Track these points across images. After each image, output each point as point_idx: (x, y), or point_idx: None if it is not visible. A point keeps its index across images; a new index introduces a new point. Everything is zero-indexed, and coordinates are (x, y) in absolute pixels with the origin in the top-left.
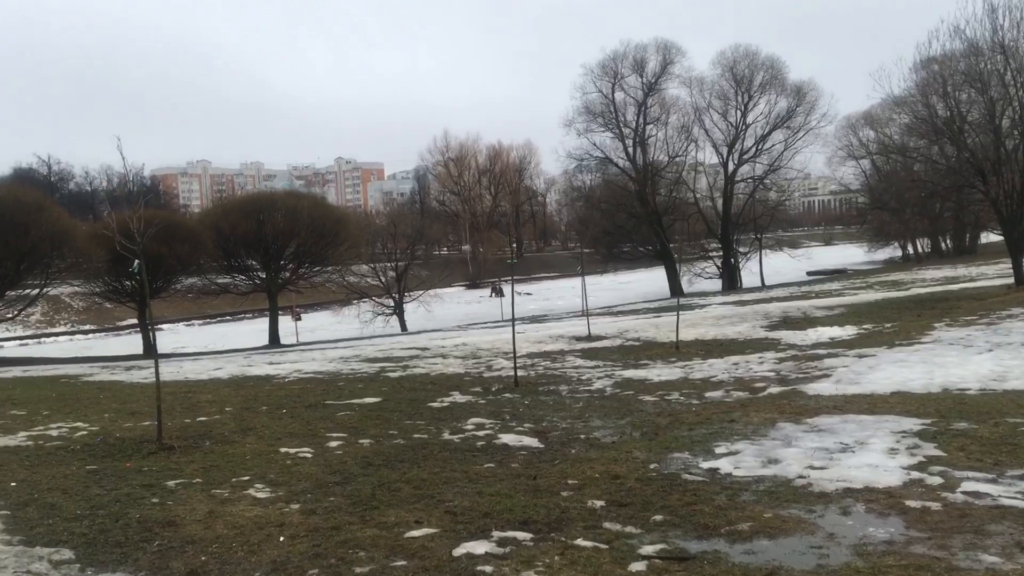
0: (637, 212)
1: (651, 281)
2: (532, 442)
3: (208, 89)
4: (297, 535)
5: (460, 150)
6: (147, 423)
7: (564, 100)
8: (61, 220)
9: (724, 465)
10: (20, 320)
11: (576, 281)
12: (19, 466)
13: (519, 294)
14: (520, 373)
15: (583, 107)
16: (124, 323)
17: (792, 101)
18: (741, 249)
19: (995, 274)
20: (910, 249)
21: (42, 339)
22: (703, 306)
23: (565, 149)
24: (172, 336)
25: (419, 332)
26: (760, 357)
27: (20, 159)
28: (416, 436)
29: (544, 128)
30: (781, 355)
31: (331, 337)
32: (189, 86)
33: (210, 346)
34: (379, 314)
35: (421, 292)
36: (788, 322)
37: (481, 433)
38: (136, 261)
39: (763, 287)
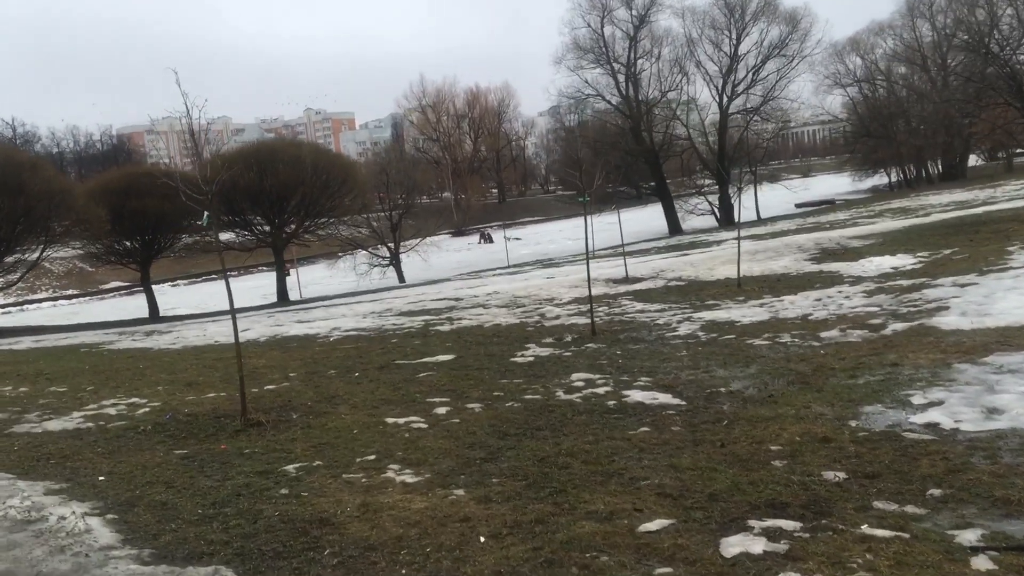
0: (632, 149)
1: (641, 220)
2: (667, 398)
3: (169, 45)
4: (498, 533)
5: (437, 95)
6: (211, 395)
7: (544, 39)
8: (57, 179)
9: (940, 418)
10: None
11: (562, 224)
12: (94, 454)
13: (508, 239)
14: (584, 320)
15: (572, 43)
16: (108, 287)
17: (786, 28)
18: (735, 184)
19: (1007, 196)
20: (895, 177)
21: (24, 306)
22: (719, 242)
23: (556, 88)
24: (160, 298)
25: (424, 283)
26: (840, 291)
27: None
28: (528, 397)
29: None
30: (862, 288)
31: (333, 291)
32: (150, 40)
33: (202, 306)
34: (375, 265)
35: (418, 240)
36: (830, 253)
37: (600, 390)
38: (205, 213)
39: (760, 221)
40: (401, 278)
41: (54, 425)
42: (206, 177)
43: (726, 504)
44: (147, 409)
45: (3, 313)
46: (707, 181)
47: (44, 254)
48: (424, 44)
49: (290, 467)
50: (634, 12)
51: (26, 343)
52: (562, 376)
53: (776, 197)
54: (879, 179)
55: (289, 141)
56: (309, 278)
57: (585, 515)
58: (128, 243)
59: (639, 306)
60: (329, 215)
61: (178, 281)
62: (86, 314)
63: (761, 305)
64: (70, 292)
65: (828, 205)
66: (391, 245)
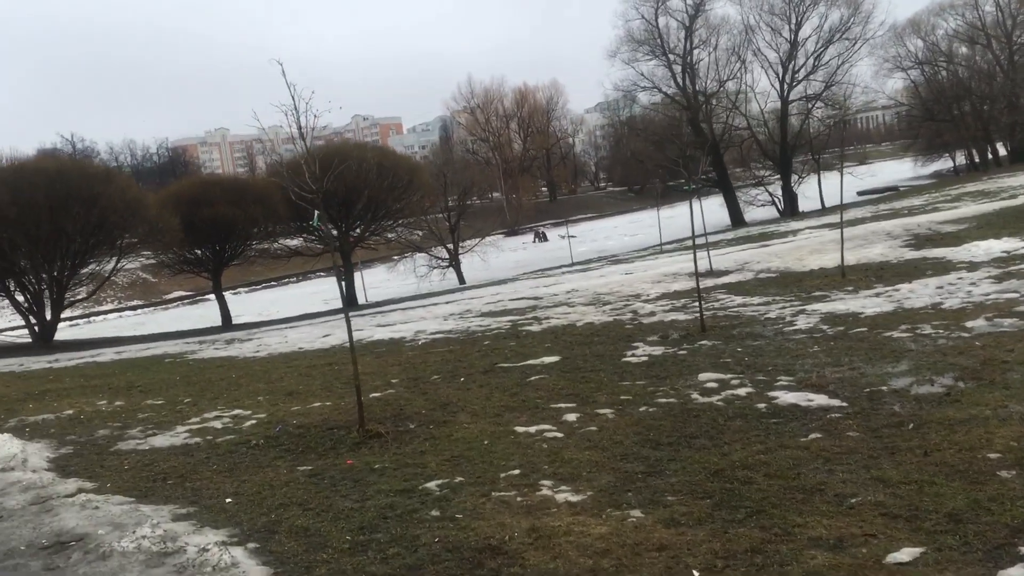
0: (692, 141)
1: (698, 214)
2: (823, 399)
3: (216, 59)
4: (712, 566)
5: (485, 95)
6: (316, 405)
7: (589, 34)
8: (130, 189)
9: None
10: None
11: (616, 220)
12: (211, 472)
13: (562, 237)
14: (683, 316)
15: (626, 35)
16: (171, 296)
17: (847, 11)
18: (797, 173)
19: None
20: (960, 160)
21: (91, 318)
22: (794, 232)
23: (611, 81)
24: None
25: (489, 284)
26: (960, 278)
27: (43, 140)
28: (661, 400)
29: (568, 66)
30: (984, 274)
31: (396, 294)
32: (197, 57)
33: (264, 313)
34: (435, 267)
35: (477, 241)
36: (927, 239)
37: (740, 392)
38: (316, 212)
39: (825, 209)
40: (461, 279)
41: (160, 441)
42: (314, 175)
43: (977, 526)
44: (253, 421)
45: (71, 326)
46: (765, 172)
47: (119, 264)
48: (464, 45)
49: (431, 484)
50: (689, 1)
51: (108, 355)
52: (687, 376)
53: (835, 185)
54: (942, 164)
55: (354, 143)
56: (368, 282)
57: (808, 543)
58: (199, 251)
59: (738, 300)
60: (396, 217)
61: (239, 289)
62: (152, 324)
63: (877, 295)
64: (134, 303)
65: (892, 192)
66: (450, 246)
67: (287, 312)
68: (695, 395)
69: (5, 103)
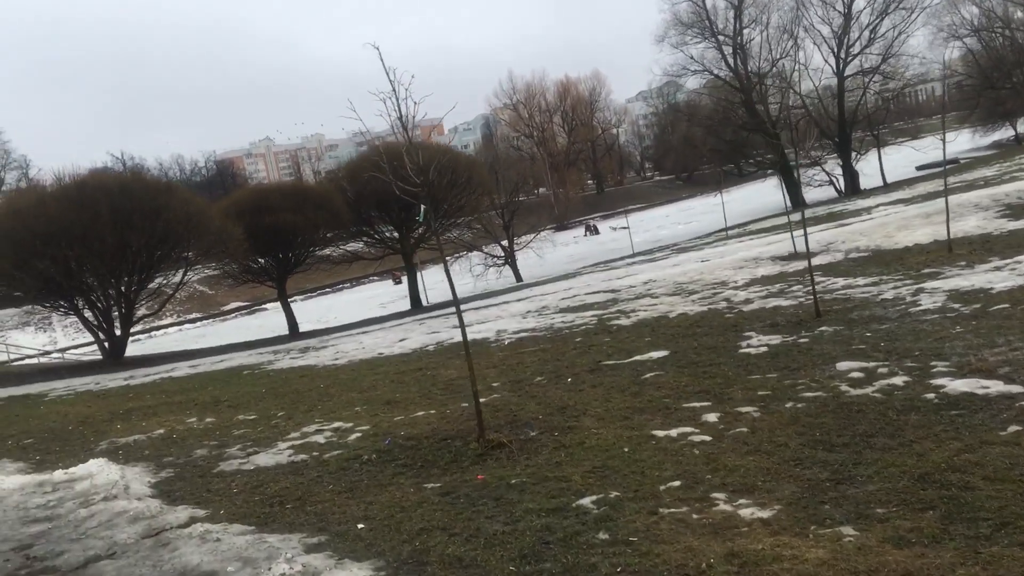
0: (747, 123)
1: (747, 199)
2: (1000, 386)
3: (257, 70)
4: None
5: (527, 90)
6: (420, 414)
7: (630, 21)
8: (193, 201)
9: None
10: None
11: (666, 209)
12: (329, 492)
13: (613, 229)
14: (785, 302)
15: (673, 19)
16: (228, 308)
17: None
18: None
19: None
20: (1022, 128)
21: (151, 333)
22: (868, 209)
23: (660, 67)
24: (278, 315)
25: (551, 280)
26: None
27: (94, 159)
28: (806, 395)
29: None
30: None
31: (466, 293)
32: (240, 69)
33: (323, 320)
34: (491, 265)
35: (532, 236)
36: (1023, 209)
37: (896, 381)
38: (422, 206)
39: (887, 186)
40: (518, 276)
41: (264, 459)
42: (419, 166)
43: None
44: (358, 434)
45: (134, 342)
46: (822, 152)
47: (186, 277)
48: (498, 40)
49: (585, 501)
50: None
51: (182, 369)
52: (823, 367)
53: (890, 161)
54: (1002, 133)
55: (415, 141)
56: (427, 283)
57: None
58: (262, 260)
59: (840, 281)
60: (457, 215)
61: (294, 297)
62: (214, 336)
63: (998, 269)
64: (193, 316)
65: (953, 164)
66: (504, 243)
67: (345, 318)
68: (844, 387)
69: (57, 125)
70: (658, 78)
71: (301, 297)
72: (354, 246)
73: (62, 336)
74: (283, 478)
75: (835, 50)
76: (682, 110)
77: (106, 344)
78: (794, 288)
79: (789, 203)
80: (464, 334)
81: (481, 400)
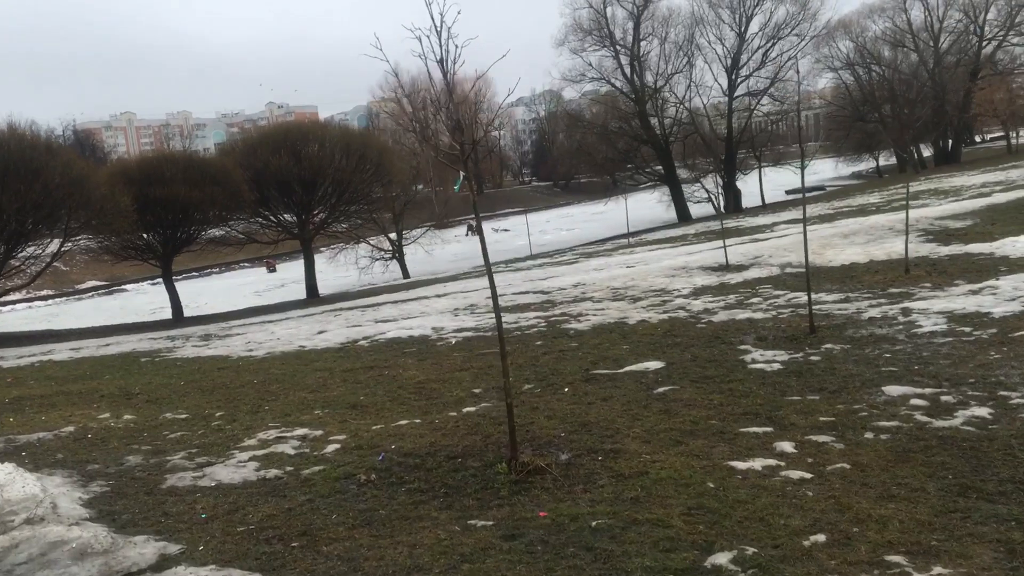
0: (639, 135)
1: (629, 210)
2: None
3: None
4: None
5: (412, 85)
6: (403, 423)
7: (515, 27)
8: (76, 164)
9: None
10: None
11: (547, 215)
12: (335, 525)
13: (495, 231)
14: (757, 315)
15: (574, 24)
16: (84, 286)
17: (794, 8)
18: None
19: None
20: (883, 162)
21: None
22: (771, 226)
23: (559, 71)
24: (140, 297)
25: (443, 279)
26: None
27: None
28: (882, 424)
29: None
30: None
31: (345, 288)
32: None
33: (195, 306)
34: (377, 259)
35: (423, 231)
36: (947, 235)
37: (980, 412)
38: (460, 174)
39: (765, 207)
40: (405, 272)
41: (224, 473)
42: (459, 126)
43: None
44: (335, 446)
45: None
46: (707, 168)
47: (63, 248)
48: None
49: (719, 559)
50: None
51: (62, 352)
52: (866, 390)
53: (759, 183)
54: (864, 165)
55: (314, 122)
56: (301, 273)
57: None
58: (146, 236)
59: (802, 296)
60: (363, 203)
61: (156, 279)
62: (68, 316)
63: (974, 292)
64: (44, 292)
65: (820, 191)
66: (392, 236)
67: (221, 305)
68: (920, 416)
69: None
70: (556, 82)
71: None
72: (247, 228)
73: None
74: (262, 501)
75: (727, 69)
76: (580, 117)
77: None
78: (753, 300)
79: (676, 216)
80: (499, 323)
81: (470, 409)
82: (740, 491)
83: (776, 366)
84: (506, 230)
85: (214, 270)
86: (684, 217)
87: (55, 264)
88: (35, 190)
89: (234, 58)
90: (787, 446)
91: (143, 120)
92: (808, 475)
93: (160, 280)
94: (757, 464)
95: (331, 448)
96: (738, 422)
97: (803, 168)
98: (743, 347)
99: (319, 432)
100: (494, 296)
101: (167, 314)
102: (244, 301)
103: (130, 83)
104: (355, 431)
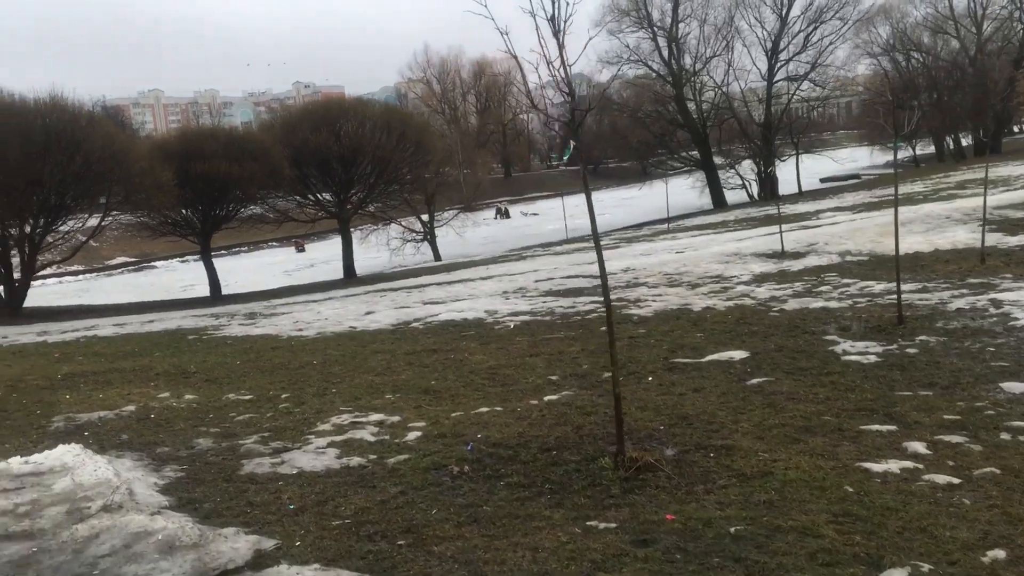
0: (675, 119)
1: (658, 196)
2: None
3: (143, 16)
4: None
5: (442, 66)
6: (484, 410)
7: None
8: (117, 137)
9: None
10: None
11: (577, 199)
12: (439, 521)
13: (524, 214)
14: (828, 304)
15: (612, 4)
16: (114, 263)
17: None
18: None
19: None
20: (921, 150)
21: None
22: (816, 214)
23: (596, 53)
24: (171, 275)
25: (483, 261)
26: None
27: None
28: (1016, 424)
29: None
30: None
31: (379, 269)
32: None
33: (224, 284)
34: (407, 240)
35: (455, 214)
36: (1012, 225)
37: None
38: (572, 143)
39: (801, 194)
40: (437, 255)
41: (304, 460)
42: (571, 89)
43: None
44: (416, 433)
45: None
46: (744, 154)
47: (103, 222)
48: (410, 11)
49: None
50: None
51: (105, 328)
52: (982, 386)
53: (793, 172)
54: (902, 153)
55: (356, 99)
56: (330, 253)
57: None
58: (186, 212)
59: (877, 286)
60: (403, 182)
61: (186, 257)
62: (98, 292)
63: None
64: (75, 268)
65: (855, 179)
66: (424, 218)
67: (251, 284)
68: None
69: None
70: (592, 63)
71: (194, 258)
72: (284, 206)
73: None
74: (351, 492)
75: (767, 53)
76: (613, 100)
77: (2, 293)
78: (822, 289)
79: (712, 203)
80: (609, 311)
81: (550, 397)
82: (885, 497)
83: (872, 358)
84: (535, 214)
85: (242, 249)
86: (719, 203)
87: (58, 244)
88: (76, 163)
89: (256, 36)
90: (919, 447)
91: (170, 98)
92: (956, 480)
93: (189, 258)
94: (893, 466)
95: (412, 435)
96: (854, 419)
97: (896, 146)
98: (828, 337)
99: (396, 418)
100: (603, 278)
101: (198, 292)
102: (275, 280)
103: (155, 61)
104: (434, 418)
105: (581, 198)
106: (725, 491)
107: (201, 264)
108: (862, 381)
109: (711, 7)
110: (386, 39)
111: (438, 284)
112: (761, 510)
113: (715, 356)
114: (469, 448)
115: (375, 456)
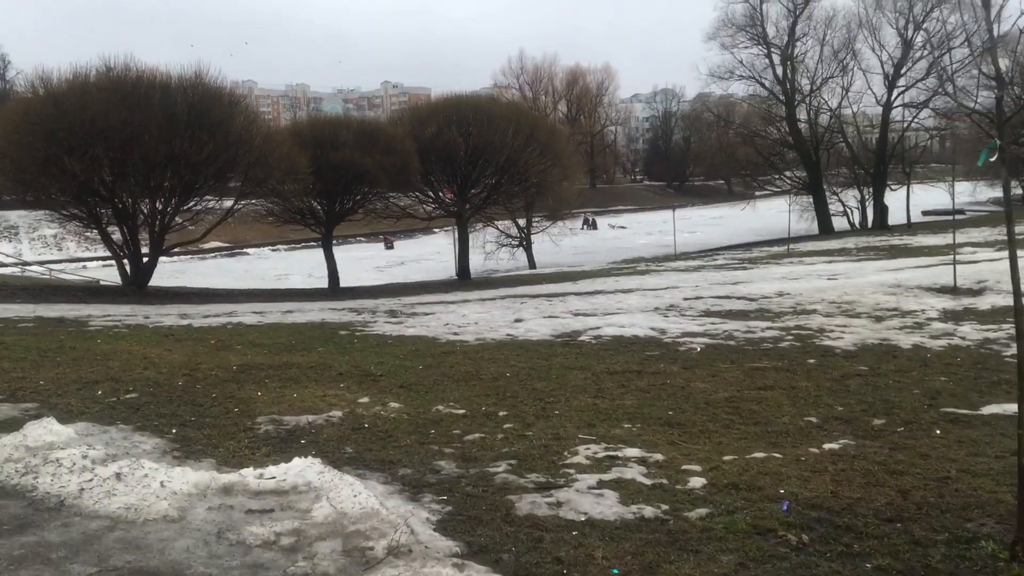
0: (786, 139)
1: (748, 219)
2: None
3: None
4: None
5: (535, 72)
6: (759, 455)
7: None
8: (258, 120)
9: None
10: (53, 244)
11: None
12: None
13: (612, 226)
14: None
15: (727, 18)
16: (208, 247)
17: (972, 14)
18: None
19: None
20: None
21: (85, 263)
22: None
23: (707, 67)
24: (265, 263)
25: (589, 274)
26: None
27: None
28: None
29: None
30: None
31: (474, 270)
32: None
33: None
34: (503, 244)
35: (551, 223)
36: None
37: None
38: (997, 141)
39: (910, 226)
40: (532, 262)
41: (585, 504)
42: (1002, 80)
43: None
44: (700, 479)
45: (104, 266)
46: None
47: (237, 206)
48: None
49: None
50: None
51: (245, 315)
52: None
53: (893, 203)
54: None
55: (486, 97)
56: (418, 252)
57: None
58: (312, 201)
59: None
60: (527, 184)
61: (279, 247)
62: (192, 273)
63: None
64: (173, 250)
65: (960, 214)
66: (521, 222)
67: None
68: None
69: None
70: (703, 77)
71: (286, 247)
72: (405, 201)
73: (28, 249)
74: (675, 556)
75: (886, 77)
76: (722, 117)
77: (128, 270)
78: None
79: (818, 228)
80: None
81: (831, 446)
82: None
83: None
84: (622, 227)
85: (333, 242)
86: (826, 229)
87: (184, 224)
88: (217, 142)
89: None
90: None
91: (262, 89)
92: None
93: (280, 247)
94: None
95: (695, 481)
96: None
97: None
98: None
99: (658, 456)
100: (1016, 303)
101: (292, 281)
102: (368, 276)
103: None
104: (705, 459)
105: (665, 214)
106: None
107: (292, 254)
108: None
109: (831, 27)
110: (471, 44)
111: (577, 294)
112: None
113: (994, 409)
114: (785, 509)
115: (667, 507)
